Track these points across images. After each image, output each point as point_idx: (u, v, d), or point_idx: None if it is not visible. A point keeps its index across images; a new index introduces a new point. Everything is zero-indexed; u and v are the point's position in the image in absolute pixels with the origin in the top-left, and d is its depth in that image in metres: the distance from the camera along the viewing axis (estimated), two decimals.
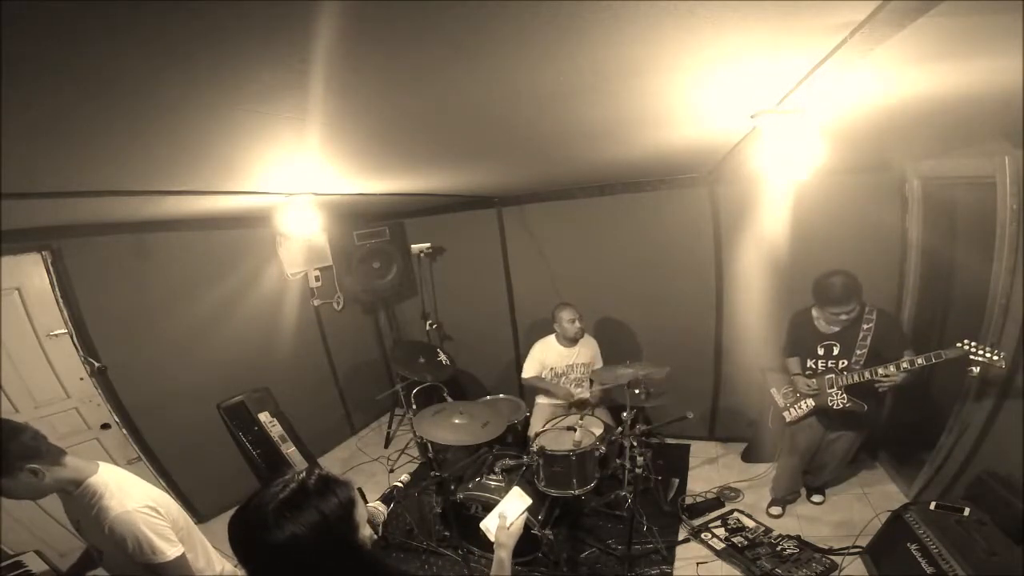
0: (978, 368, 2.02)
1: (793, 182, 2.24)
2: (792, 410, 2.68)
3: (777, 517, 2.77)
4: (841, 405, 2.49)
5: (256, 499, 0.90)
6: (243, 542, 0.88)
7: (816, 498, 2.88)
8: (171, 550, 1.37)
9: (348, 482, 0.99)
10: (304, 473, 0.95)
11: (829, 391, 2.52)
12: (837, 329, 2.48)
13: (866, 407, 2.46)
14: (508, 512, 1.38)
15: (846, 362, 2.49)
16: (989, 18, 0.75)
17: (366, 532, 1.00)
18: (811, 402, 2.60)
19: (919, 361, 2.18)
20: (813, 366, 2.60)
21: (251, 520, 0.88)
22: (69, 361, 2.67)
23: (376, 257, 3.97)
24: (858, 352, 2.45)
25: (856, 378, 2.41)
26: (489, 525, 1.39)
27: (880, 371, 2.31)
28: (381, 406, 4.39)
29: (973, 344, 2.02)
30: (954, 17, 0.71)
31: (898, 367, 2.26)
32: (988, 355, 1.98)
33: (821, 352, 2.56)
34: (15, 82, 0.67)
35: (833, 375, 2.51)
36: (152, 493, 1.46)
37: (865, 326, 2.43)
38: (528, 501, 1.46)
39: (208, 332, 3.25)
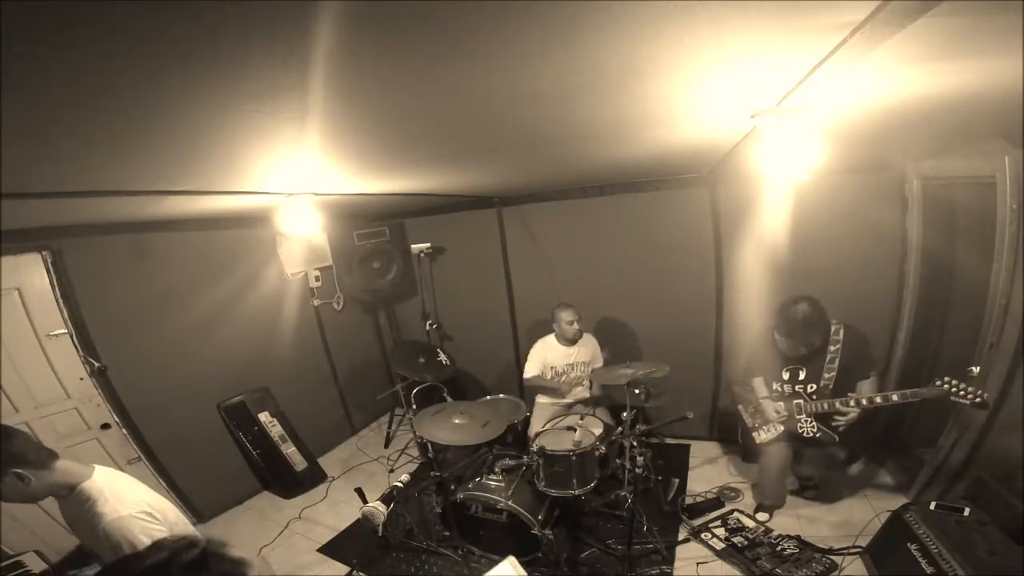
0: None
1: (793, 182, 2.24)
2: (761, 432, 2.60)
3: (765, 522, 2.69)
4: (811, 434, 2.42)
5: None
6: None
7: (808, 493, 2.85)
8: None
9: (241, 559, 0.79)
10: (166, 552, 0.75)
11: (798, 417, 2.45)
12: (804, 352, 2.40)
13: (837, 439, 2.38)
14: None
15: (815, 386, 2.42)
16: (989, 18, 0.75)
17: None
18: (780, 426, 2.53)
19: (894, 398, 2.14)
20: (779, 388, 2.53)
21: None
22: (69, 361, 2.67)
23: (376, 257, 3.97)
24: (826, 376, 2.38)
25: (824, 407, 2.35)
26: None
27: (850, 402, 2.25)
28: (381, 406, 4.38)
29: (954, 382, 1.99)
30: (954, 17, 0.71)
31: (870, 400, 2.21)
32: (970, 394, 1.96)
33: (786, 376, 2.49)
34: (15, 82, 0.67)
35: (802, 401, 2.43)
36: (148, 497, 1.45)
37: (832, 348, 2.37)
38: (524, 574, 1.36)
39: (208, 332, 3.25)
